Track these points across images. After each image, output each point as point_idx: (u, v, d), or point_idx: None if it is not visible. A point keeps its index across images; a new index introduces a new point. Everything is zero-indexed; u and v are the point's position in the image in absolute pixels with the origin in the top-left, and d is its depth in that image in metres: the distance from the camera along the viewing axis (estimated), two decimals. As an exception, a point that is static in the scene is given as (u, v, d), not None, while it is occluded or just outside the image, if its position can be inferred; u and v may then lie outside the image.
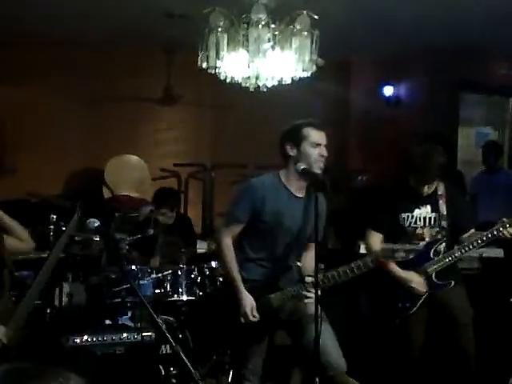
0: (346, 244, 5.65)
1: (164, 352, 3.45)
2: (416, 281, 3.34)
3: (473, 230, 3.42)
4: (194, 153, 6.52)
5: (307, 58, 3.75)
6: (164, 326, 3.74)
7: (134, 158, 6.06)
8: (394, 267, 3.36)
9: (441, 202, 3.41)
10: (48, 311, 3.91)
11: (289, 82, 3.96)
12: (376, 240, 3.43)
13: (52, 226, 4.03)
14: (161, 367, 3.45)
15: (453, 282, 3.36)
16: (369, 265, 2.75)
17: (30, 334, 3.04)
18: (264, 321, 2.79)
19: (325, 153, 2.79)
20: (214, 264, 4.16)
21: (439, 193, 3.43)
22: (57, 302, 3.98)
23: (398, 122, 6.47)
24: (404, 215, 3.42)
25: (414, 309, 3.38)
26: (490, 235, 3.25)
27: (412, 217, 3.42)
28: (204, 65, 3.83)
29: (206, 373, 4.09)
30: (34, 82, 5.76)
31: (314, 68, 3.85)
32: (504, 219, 3.23)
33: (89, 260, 4.27)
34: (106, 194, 5.91)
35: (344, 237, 5.97)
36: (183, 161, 6.35)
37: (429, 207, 3.42)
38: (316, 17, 3.66)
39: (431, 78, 6.51)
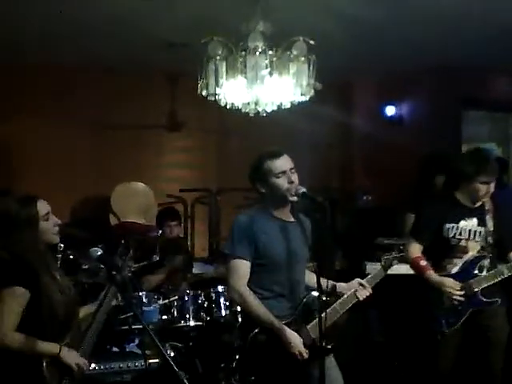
0: (353, 264, 5.65)
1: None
2: (451, 286, 3.28)
3: None
4: (199, 178, 6.56)
5: (305, 83, 3.80)
6: (172, 353, 3.80)
7: (140, 184, 6.11)
8: (432, 272, 3.34)
9: (488, 216, 3.35)
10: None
11: (288, 106, 4.02)
12: (415, 250, 3.37)
13: (59, 255, 4.08)
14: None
15: (499, 301, 3.31)
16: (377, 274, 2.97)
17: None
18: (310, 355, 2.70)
19: (292, 178, 2.73)
20: (220, 288, 4.18)
21: (486, 208, 3.37)
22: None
23: (401, 141, 6.49)
24: (449, 225, 3.34)
25: (458, 324, 3.32)
26: None
27: (457, 228, 3.33)
28: (204, 92, 3.90)
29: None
30: (38, 110, 5.83)
31: (312, 92, 3.90)
32: None
33: (97, 287, 4.30)
34: (113, 220, 5.95)
35: (351, 257, 5.97)
36: (189, 186, 6.39)
37: (475, 220, 3.35)
38: (312, 42, 3.72)
39: (433, 96, 6.54)
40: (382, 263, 3.02)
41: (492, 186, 3.31)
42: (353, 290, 2.85)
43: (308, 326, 2.75)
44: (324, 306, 2.68)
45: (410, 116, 6.84)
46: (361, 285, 2.87)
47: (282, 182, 2.74)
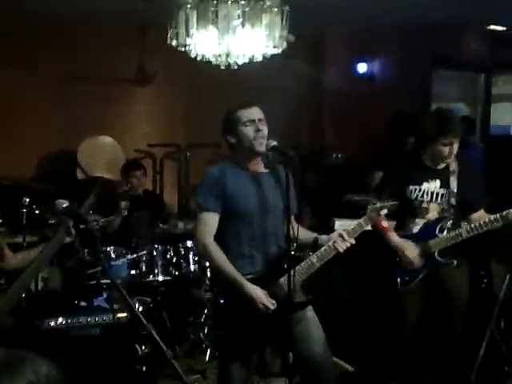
0: (323, 221, 5.69)
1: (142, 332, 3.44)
2: (411, 251, 3.29)
3: (482, 211, 3.33)
4: (168, 133, 6.46)
5: (277, 35, 3.72)
6: (140, 307, 3.80)
7: (108, 139, 6.00)
8: (393, 234, 3.34)
9: (452, 178, 3.32)
10: (23, 296, 3.88)
11: (260, 59, 3.94)
12: None
13: (24, 210, 4.00)
14: (137, 347, 3.47)
15: (455, 262, 3.29)
16: (361, 224, 2.77)
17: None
18: (280, 308, 2.63)
19: (261, 126, 2.72)
20: (189, 244, 4.17)
21: (451, 169, 3.34)
22: (32, 287, 3.97)
23: (371, 98, 6.49)
24: (412, 187, 3.33)
25: (413, 283, 3.33)
26: (499, 217, 3.15)
27: (419, 190, 3.33)
28: (174, 42, 3.79)
29: (183, 352, 4.14)
30: (1, 61, 5.63)
31: (285, 45, 3.83)
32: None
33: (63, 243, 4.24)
34: (80, 175, 5.85)
35: (320, 214, 6.01)
36: (158, 141, 6.30)
37: (438, 182, 3.33)
38: (286, -7, 3.63)
39: (404, 54, 6.54)
40: (368, 213, 2.81)
41: (455, 147, 3.27)
42: (331, 242, 2.71)
43: (281, 279, 2.68)
44: (294, 260, 2.64)
45: (381, 74, 6.83)
46: (341, 236, 2.72)
47: (249, 131, 2.72)
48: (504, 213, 3.16)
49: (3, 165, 5.34)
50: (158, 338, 1.96)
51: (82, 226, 2.52)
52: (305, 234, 2.85)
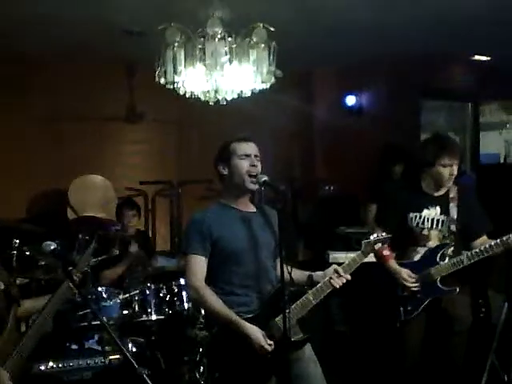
0: (316, 254, 5.66)
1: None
2: (406, 277, 3.29)
3: (485, 237, 3.34)
4: (160, 170, 6.46)
5: (265, 70, 3.75)
6: (133, 348, 3.72)
7: (98, 177, 5.97)
8: (393, 262, 3.33)
9: (451, 204, 3.34)
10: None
11: (248, 94, 3.97)
12: None
13: (15, 251, 3.95)
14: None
15: (458, 289, 3.28)
16: (356, 259, 2.76)
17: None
18: (278, 348, 2.59)
19: (255, 163, 2.72)
20: (182, 281, 4.12)
21: (451, 195, 3.35)
22: (23, 328, 3.89)
23: (361, 130, 6.53)
24: (412, 215, 3.34)
25: (416, 312, 3.32)
26: (499, 242, 3.17)
27: (420, 217, 3.33)
28: (162, 80, 3.81)
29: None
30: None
31: (273, 80, 3.86)
32: None
33: (53, 284, 4.18)
34: (71, 215, 5.80)
35: (313, 247, 5.98)
36: (149, 179, 6.29)
37: (438, 209, 3.34)
38: (272, 29, 3.67)
39: (392, 85, 6.60)
40: (363, 248, 2.80)
41: (455, 168, 3.30)
42: (327, 278, 2.70)
43: (277, 318, 2.64)
44: (289, 297, 2.60)
45: (370, 105, 6.89)
46: (336, 272, 2.71)
47: (243, 164, 2.71)
48: (504, 238, 3.16)
49: (-7, 207, 5.30)
50: (149, 381, 1.90)
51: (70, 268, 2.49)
52: (298, 274, 2.81)
